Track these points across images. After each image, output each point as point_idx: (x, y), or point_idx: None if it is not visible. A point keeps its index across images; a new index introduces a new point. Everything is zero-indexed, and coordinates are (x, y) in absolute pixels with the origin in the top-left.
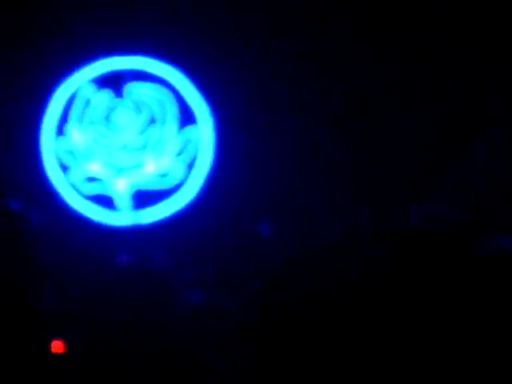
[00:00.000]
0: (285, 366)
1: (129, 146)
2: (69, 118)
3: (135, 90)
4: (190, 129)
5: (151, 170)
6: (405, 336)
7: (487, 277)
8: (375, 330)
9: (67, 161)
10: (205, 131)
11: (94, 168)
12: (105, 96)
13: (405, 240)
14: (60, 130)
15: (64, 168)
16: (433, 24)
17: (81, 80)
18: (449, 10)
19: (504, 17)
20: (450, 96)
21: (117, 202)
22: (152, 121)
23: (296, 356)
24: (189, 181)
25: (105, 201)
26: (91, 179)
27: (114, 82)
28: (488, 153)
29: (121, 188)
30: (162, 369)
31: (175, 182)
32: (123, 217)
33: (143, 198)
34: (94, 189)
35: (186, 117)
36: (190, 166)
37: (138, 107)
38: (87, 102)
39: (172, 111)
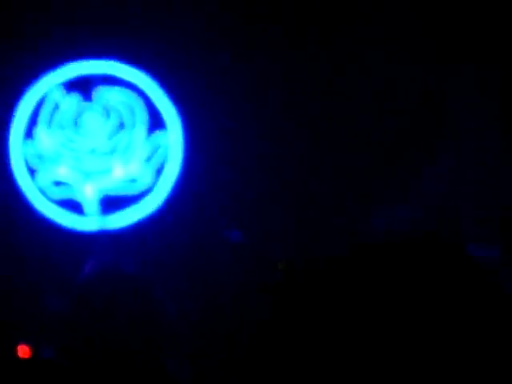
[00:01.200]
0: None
1: (97, 150)
2: (37, 122)
3: (104, 94)
4: (158, 134)
5: (119, 175)
6: (378, 341)
7: (461, 283)
8: (348, 338)
9: (35, 164)
10: (174, 137)
11: (62, 172)
12: (74, 100)
13: (372, 246)
14: (28, 134)
15: (32, 172)
16: (394, 29)
17: (50, 84)
18: (413, 18)
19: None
20: (414, 104)
21: (84, 206)
22: (121, 125)
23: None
24: (157, 186)
25: (72, 205)
26: (59, 183)
27: (83, 86)
28: (450, 160)
29: (89, 193)
30: (131, 376)
31: (143, 187)
32: (91, 222)
33: (111, 203)
34: (61, 193)
35: (155, 122)
36: (159, 171)
37: (106, 112)
38: (56, 106)
39: (141, 116)
